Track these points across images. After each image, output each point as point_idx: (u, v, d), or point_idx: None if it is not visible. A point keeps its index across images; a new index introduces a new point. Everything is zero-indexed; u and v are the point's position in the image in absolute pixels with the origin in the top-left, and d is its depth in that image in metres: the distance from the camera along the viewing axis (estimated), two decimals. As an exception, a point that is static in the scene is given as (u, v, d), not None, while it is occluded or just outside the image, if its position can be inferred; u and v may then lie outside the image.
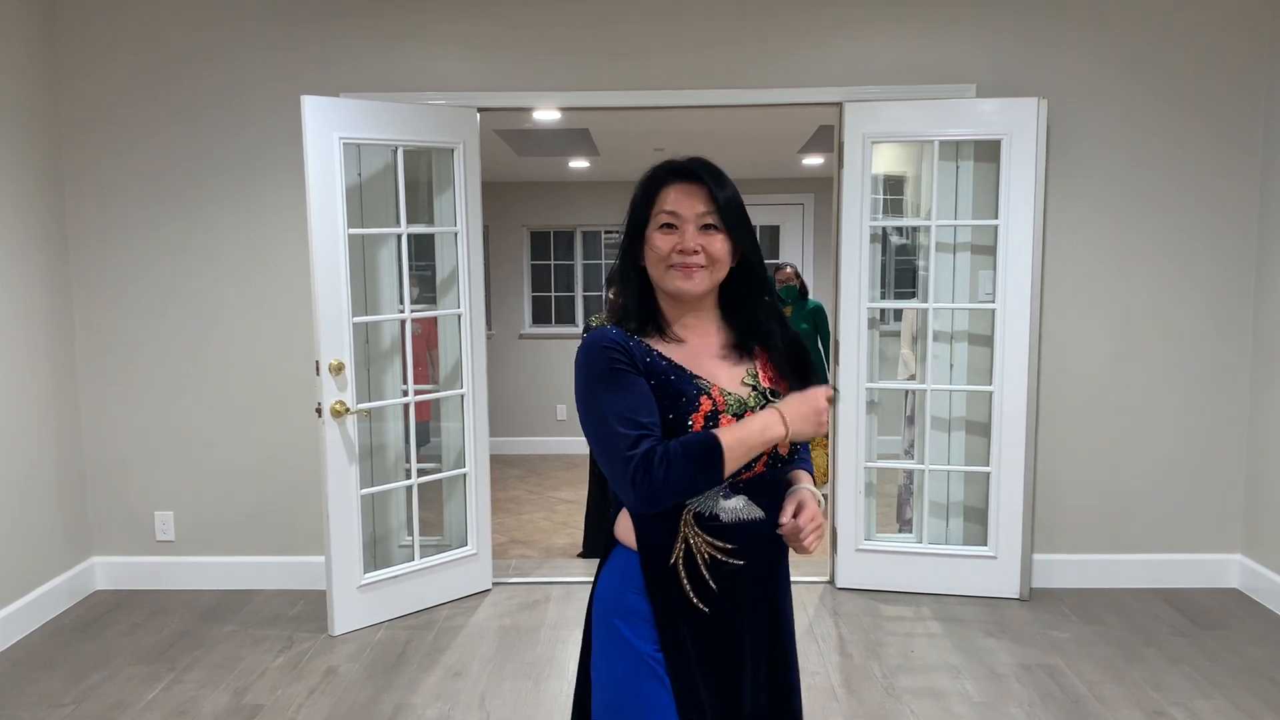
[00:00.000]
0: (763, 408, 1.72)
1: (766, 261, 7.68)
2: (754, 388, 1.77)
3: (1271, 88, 4.33)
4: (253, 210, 4.51)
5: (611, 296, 5.42)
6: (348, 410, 4.04)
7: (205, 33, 4.42)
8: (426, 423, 5.56)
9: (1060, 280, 4.48)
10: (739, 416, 1.69)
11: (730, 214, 1.74)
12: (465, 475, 4.50)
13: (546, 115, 5.46)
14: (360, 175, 4.31)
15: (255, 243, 4.53)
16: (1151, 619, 4.22)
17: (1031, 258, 4.28)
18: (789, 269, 7.04)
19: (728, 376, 1.77)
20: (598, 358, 1.70)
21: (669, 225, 1.74)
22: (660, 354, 1.75)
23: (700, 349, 1.79)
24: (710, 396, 1.71)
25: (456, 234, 4.37)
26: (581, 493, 7.40)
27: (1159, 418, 4.53)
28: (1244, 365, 4.49)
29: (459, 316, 4.41)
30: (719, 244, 1.74)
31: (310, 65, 4.42)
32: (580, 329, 9.07)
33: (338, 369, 4.00)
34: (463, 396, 4.45)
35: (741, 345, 1.81)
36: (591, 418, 1.69)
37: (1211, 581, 4.59)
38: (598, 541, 5.41)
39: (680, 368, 1.74)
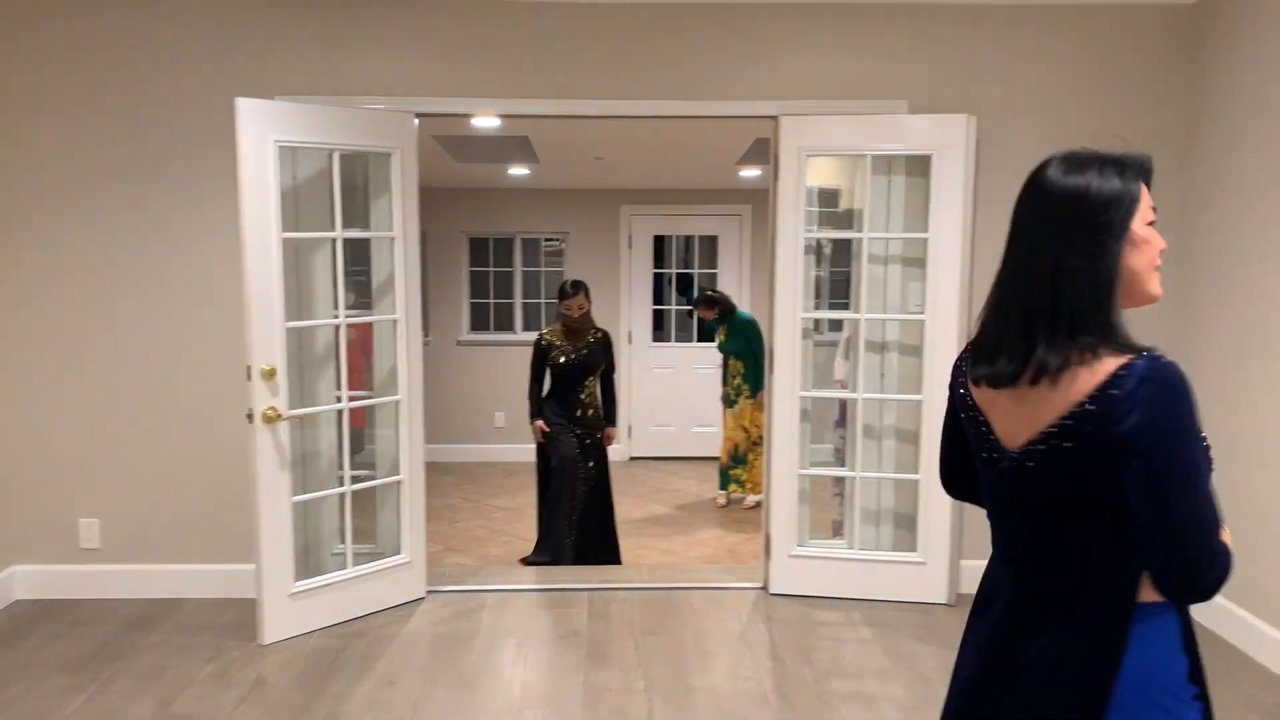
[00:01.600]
0: None
1: (698, 270, 7.64)
2: None
3: (1190, 104, 4.50)
4: (185, 213, 4.44)
5: (565, 311, 5.52)
6: (280, 416, 3.99)
7: (136, 33, 4.34)
8: (362, 429, 5.52)
9: (987, 290, 4.58)
10: None
11: None
12: (400, 482, 4.46)
13: (486, 122, 5.46)
14: (295, 178, 4.27)
15: (187, 246, 4.45)
16: (1073, 623, 4.33)
17: (960, 270, 4.38)
18: (702, 304, 7.21)
19: None
20: (1190, 403, 1.42)
21: (1153, 224, 1.55)
22: None
23: None
24: None
25: (393, 239, 4.34)
26: (519, 499, 7.39)
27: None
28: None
29: (394, 322, 4.38)
30: None
31: (245, 67, 4.37)
32: (521, 334, 9.05)
33: (270, 374, 3.96)
34: (398, 403, 4.42)
35: None
36: (1191, 473, 1.41)
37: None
38: (556, 547, 5.42)
39: None
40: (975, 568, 4.64)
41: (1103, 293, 1.48)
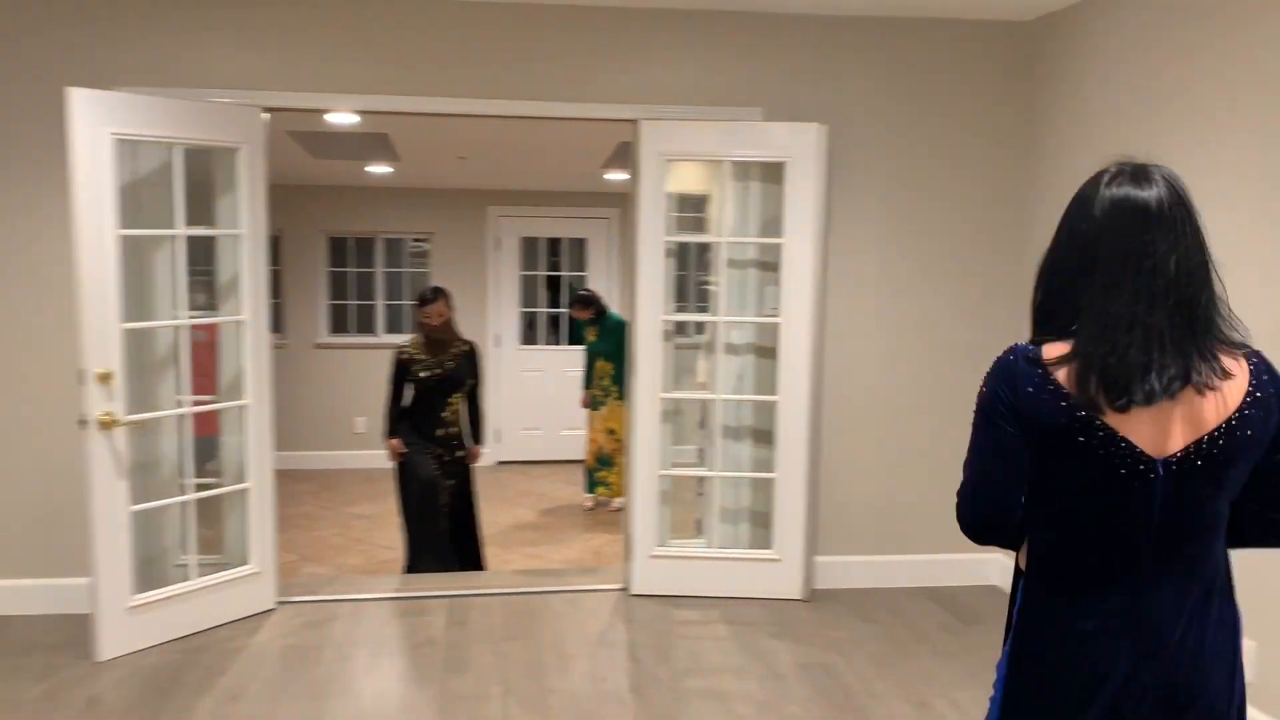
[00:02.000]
0: None
1: (571, 273, 7.59)
2: None
3: (1030, 114, 4.72)
4: (13, 209, 4.18)
5: (424, 319, 5.18)
6: (116, 422, 3.80)
7: (-43, 13, 4.07)
8: (213, 436, 5.28)
9: (840, 295, 4.72)
10: None
11: None
12: (247, 490, 4.30)
13: (342, 118, 5.33)
14: (136, 174, 4.07)
15: (16, 243, 4.19)
16: (921, 616, 4.49)
17: (813, 274, 4.49)
18: (578, 304, 7.19)
19: None
20: None
21: None
22: None
23: None
24: None
25: (239, 237, 4.18)
26: (379, 507, 7.22)
27: (930, 425, 4.85)
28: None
29: (240, 323, 4.22)
30: None
31: (82, 56, 4.14)
32: (384, 337, 8.86)
33: (105, 378, 3.76)
34: (244, 407, 4.26)
35: None
36: None
37: (975, 580, 4.93)
38: (428, 559, 5.18)
39: None
40: (828, 564, 4.78)
41: (1218, 296, 1.62)
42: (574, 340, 8.96)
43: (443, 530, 5.20)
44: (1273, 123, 3.21)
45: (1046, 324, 1.73)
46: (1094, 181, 1.68)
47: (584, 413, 7.28)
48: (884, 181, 4.70)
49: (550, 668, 3.88)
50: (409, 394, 5.20)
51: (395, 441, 5.17)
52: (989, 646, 4.14)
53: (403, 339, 5.49)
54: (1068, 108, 4.39)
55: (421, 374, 5.13)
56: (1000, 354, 1.74)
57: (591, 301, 7.16)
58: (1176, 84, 3.66)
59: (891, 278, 4.76)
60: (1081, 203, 1.69)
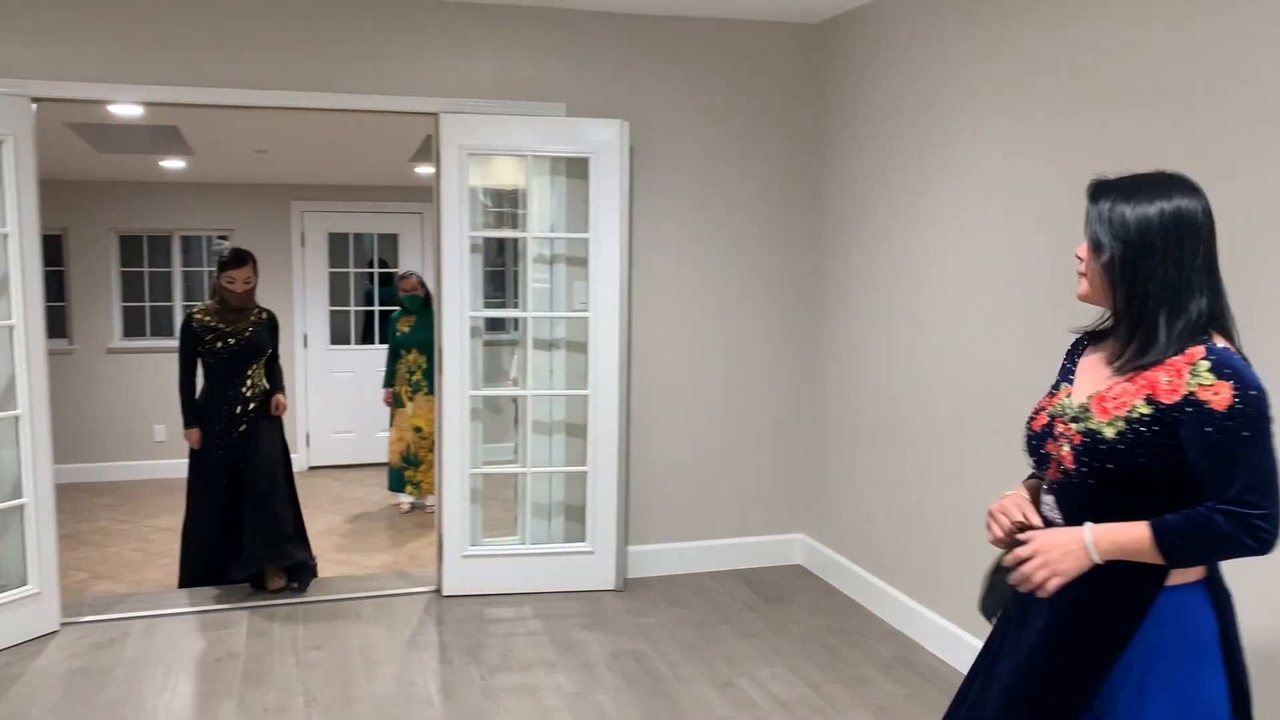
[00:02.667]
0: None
1: (387, 269, 7.39)
2: None
3: (822, 117, 4.93)
4: None
5: (227, 283, 4.74)
6: None
7: None
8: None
9: (647, 288, 4.81)
10: None
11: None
12: (23, 506, 4.02)
13: (126, 110, 5.03)
14: (-120, 166, 3.73)
15: None
16: (728, 598, 4.64)
17: (620, 268, 4.55)
18: (414, 278, 6.99)
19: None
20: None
21: None
22: None
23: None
24: None
25: (5, 236, 3.90)
26: (180, 518, 6.86)
27: (737, 415, 5.00)
28: (808, 363, 5.06)
29: (11, 328, 3.94)
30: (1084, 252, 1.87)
31: None
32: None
33: None
34: (17, 418, 3.98)
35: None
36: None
37: (781, 560, 5.12)
38: (199, 575, 4.87)
39: None
40: (641, 553, 4.87)
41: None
42: (385, 338, 8.77)
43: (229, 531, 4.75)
44: (1023, 114, 3.48)
45: (1215, 324, 1.78)
46: (1191, 190, 1.79)
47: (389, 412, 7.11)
48: (685, 177, 4.81)
49: (358, 674, 3.80)
50: (201, 369, 4.81)
51: (195, 433, 4.79)
52: (792, 623, 4.31)
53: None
54: (853, 107, 4.61)
55: (218, 345, 4.73)
56: (1234, 360, 1.73)
57: (424, 285, 6.98)
58: (947, 78, 3.91)
59: (693, 272, 4.88)
60: (1195, 213, 1.77)
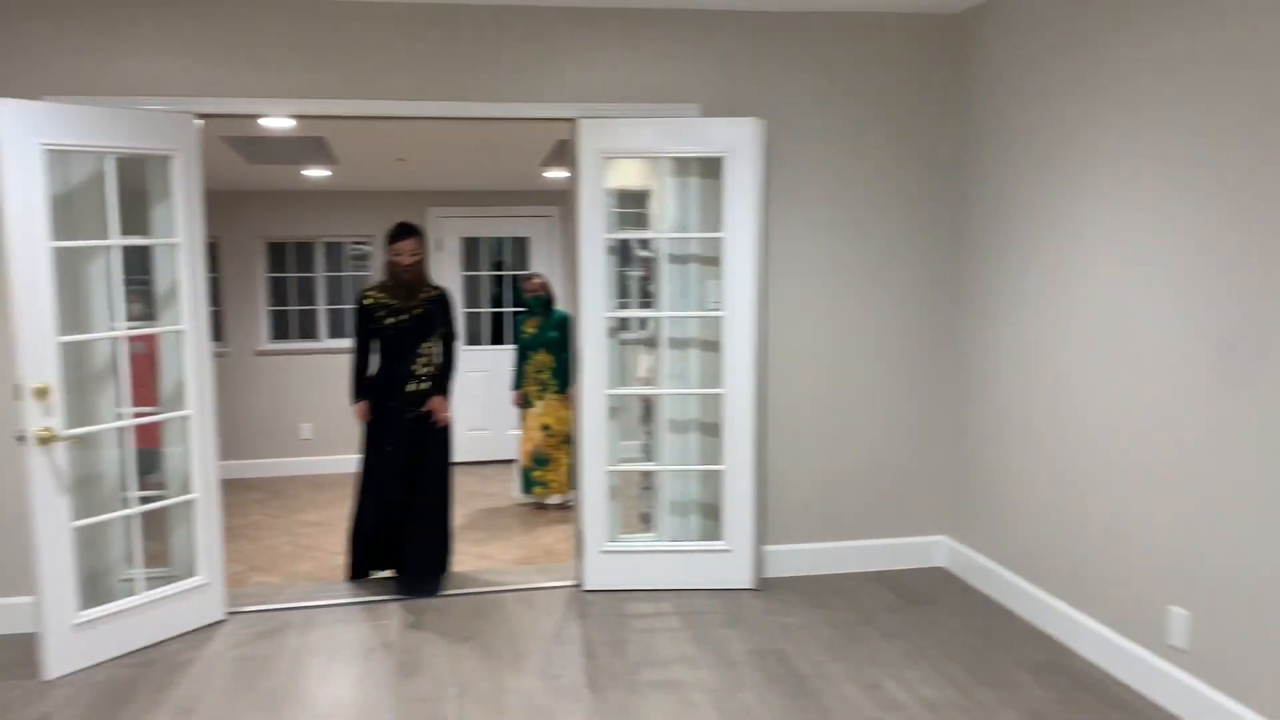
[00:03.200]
0: None
1: (515, 271, 7.54)
2: None
3: (956, 113, 4.83)
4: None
5: (394, 257, 4.75)
6: (55, 437, 3.74)
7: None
8: (156, 449, 5.20)
9: (782, 287, 4.80)
10: None
11: None
12: (193, 501, 4.26)
13: (277, 123, 5.27)
14: (68, 183, 4.01)
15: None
16: (869, 599, 4.58)
17: (754, 267, 4.55)
18: (537, 279, 7.13)
19: None
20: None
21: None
22: None
23: None
24: None
25: (176, 246, 4.14)
26: (329, 513, 7.17)
27: (875, 414, 4.94)
28: (948, 362, 4.97)
29: (181, 333, 4.18)
30: None
31: (10, 65, 4.06)
32: (326, 342, 8.79)
33: (43, 393, 3.70)
34: (187, 418, 4.22)
35: None
36: None
37: (922, 562, 5.04)
38: (364, 565, 5.05)
39: None
40: (777, 552, 4.86)
41: None
42: (514, 339, 8.96)
43: (391, 525, 4.86)
44: (1190, 107, 3.33)
45: None
46: None
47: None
48: (821, 174, 4.78)
49: (506, 666, 3.90)
50: (374, 347, 4.82)
51: (362, 406, 4.81)
52: (936, 626, 4.24)
53: (367, 285, 5.01)
54: (996, 98, 4.50)
55: (388, 321, 4.74)
56: None
57: (546, 287, 7.14)
58: (1099, 70, 3.77)
59: (831, 269, 4.84)
60: None
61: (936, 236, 4.90)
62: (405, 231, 4.77)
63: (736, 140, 4.49)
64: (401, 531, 4.87)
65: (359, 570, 5.07)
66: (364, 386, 4.84)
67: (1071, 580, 4.04)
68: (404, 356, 4.77)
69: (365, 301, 4.82)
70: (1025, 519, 4.34)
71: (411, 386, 4.79)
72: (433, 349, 4.86)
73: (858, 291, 4.88)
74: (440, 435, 4.92)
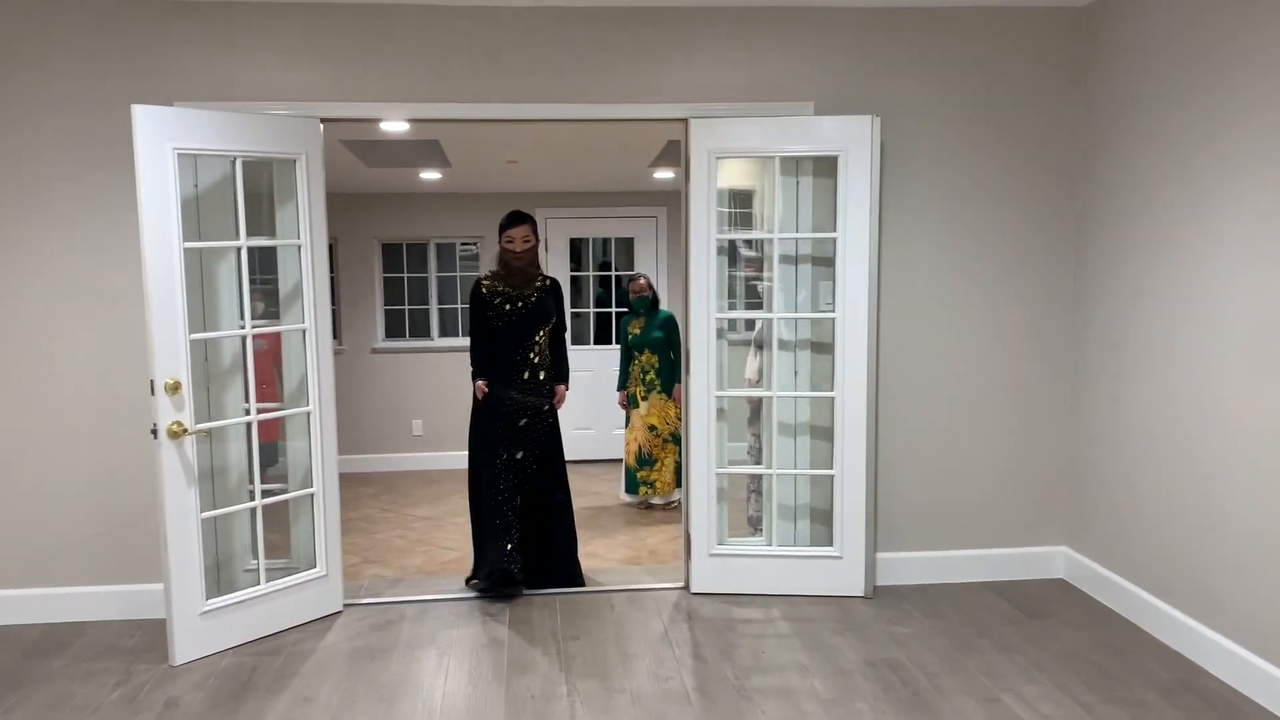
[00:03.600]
0: None
1: (620, 272, 7.54)
2: None
3: (1080, 105, 4.65)
4: (82, 222, 4.29)
5: (507, 244, 4.77)
6: (185, 431, 3.88)
7: (30, 38, 4.18)
8: (276, 442, 5.38)
9: (896, 289, 4.69)
10: None
11: None
12: (313, 495, 4.38)
13: (394, 126, 5.39)
14: (197, 187, 4.16)
15: (85, 256, 4.31)
16: (985, 610, 4.45)
17: (868, 268, 4.46)
18: (642, 279, 7.14)
19: None
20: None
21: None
22: None
23: None
24: None
25: (300, 247, 4.26)
26: (440, 508, 7.31)
27: (990, 420, 4.79)
28: (1067, 367, 4.79)
29: (304, 331, 4.30)
30: None
31: (143, 72, 4.25)
32: (437, 340, 8.96)
33: (174, 388, 3.85)
34: (308, 414, 4.34)
35: None
36: None
37: (1040, 573, 4.87)
38: (486, 564, 4.80)
39: None
40: (890, 560, 4.75)
41: None
42: (619, 340, 9.00)
43: (513, 532, 4.71)
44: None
45: None
46: None
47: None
48: (937, 174, 4.66)
49: (615, 667, 3.90)
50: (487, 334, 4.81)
51: (482, 383, 4.78)
52: (1055, 639, 4.09)
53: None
54: (1124, 96, 4.31)
55: (505, 308, 4.73)
56: None
57: (652, 287, 7.16)
58: (1242, 67, 3.58)
59: (947, 270, 4.71)
60: None
61: (1057, 236, 4.73)
62: (517, 219, 4.80)
63: (852, 138, 4.40)
64: (530, 532, 4.82)
65: (483, 560, 4.82)
66: (484, 367, 4.79)
67: (1203, 595, 3.85)
68: (520, 345, 4.76)
69: (482, 290, 4.81)
70: (1151, 530, 4.15)
71: (527, 375, 4.77)
72: (545, 340, 4.83)
73: (973, 292, 4.74)
74: (555, 431, 4.89)
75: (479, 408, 4.82)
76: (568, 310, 5.53)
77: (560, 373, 4.95)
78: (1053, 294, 4.76)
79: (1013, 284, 4.74)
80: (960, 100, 4.63)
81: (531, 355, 4.77)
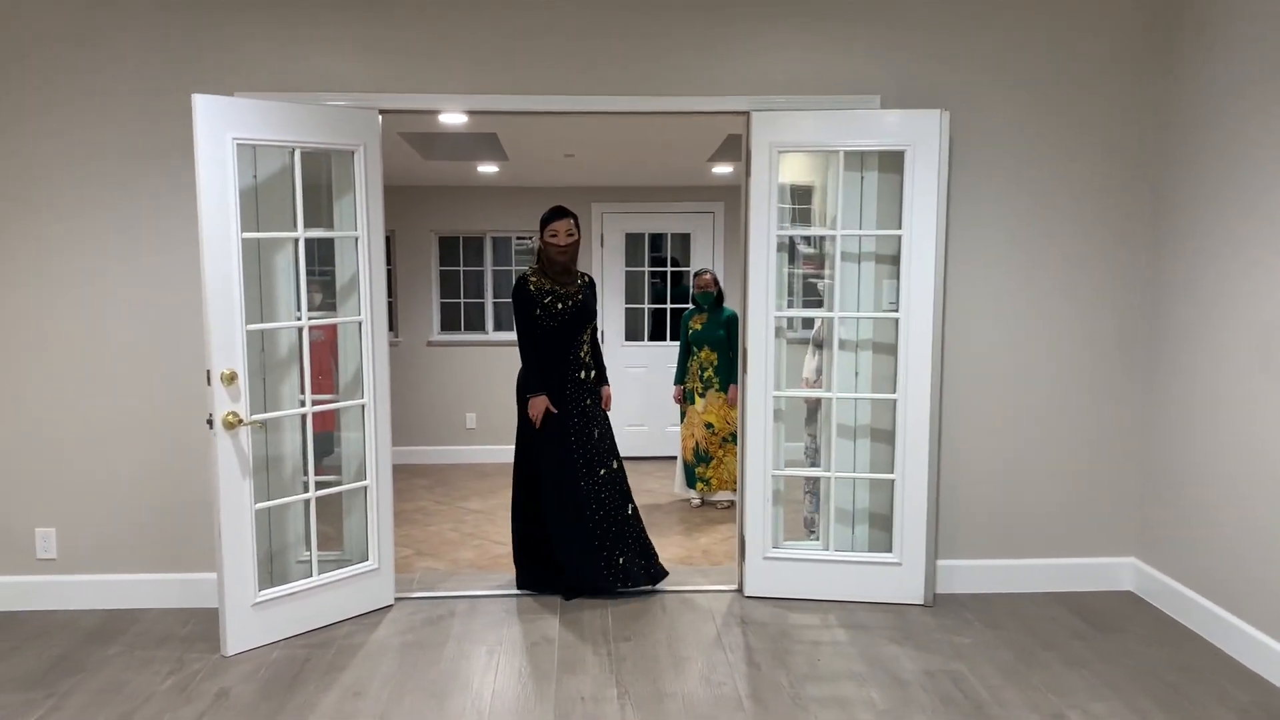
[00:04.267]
0: None
1: (677, 268, 7.45)
2: None
3: (1158, 101, 4.47)
4: (141, 212, 4.32)
5: (551, 238, 4.59)
6: (241, 421, 3.88)
7: (91, 27, 4.22)
8: (330, 433, 5.39)
9: (963, 289, 4.55)
10: None
11: None
12: (366, 488, 4.36)
13: (453, 119, 5.36)
14: (256, 177, 4.16)
15: (144, 246, 4.34)
16: (1050, 622, 4.30)
17: (934, 267, 4.33)
18: (708, 275, 7.04)
19: None
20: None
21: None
22: None
23: None
24: None
25: (357, 239, 4.24)
26: (492, 502, 7.30)
27: (1058, 424, 4.64)
28: (1139, 371, 4.61)
29: (360, 324, 4.28)
30: None
31: (203, 63, 4.26)
32: (492, 334, 8.96)
33: (230, 378, 3.85)
34: (363, 407, 4.32)
35: None
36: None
37: (1107, 585, 4.70)
38: (532, 574, 4.75)
39: None
40: (950, 567, 4.62)
41: None
42: (677, 336, 8.93)
43: (607, 539, 4.62)
44: None
45: None
46: None
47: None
48: (1008, 169, 4.51)
49: (666, 670, 3.83)
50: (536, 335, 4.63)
51: (543, 399, 4.57)
52: (1125, 655, 3.94)
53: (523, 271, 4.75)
54: (1214, 89, 4.13)
55: (557, 306, 4.57)
56: None
57: (718, 283, 7.05)
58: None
59: (1015, 270, 4.56)
60: None
61: (1132, 238, 4.56)
62: (561, 213, 4.63)
63: (920, 133, 4.27)
64: (610, 541, 4.65)
65: (533, 582, 4.76)
66: (539, 378, 4.60)
67: (1286, 616, 3.68)
68: (571, 344, 4.64)
69: (529, 287, 4.61)
70: (1228, 543, 3.98)
71: (581, 375, 4.68)
72: (588, 338, 4.74)
73: (1042, 293, 4.58)
74: (609, 430, 4.83)
75: (541, 425, 4.61)
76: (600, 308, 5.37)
77: (603, 374, 4.86)
78: (1128, 298, 4.59)
79: (1085, 286, 4.58)
80: (1032, 94, 4.48)
81: (582, 354, 4.69)
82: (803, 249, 5.17)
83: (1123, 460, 4.66)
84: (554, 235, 4.59)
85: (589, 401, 4.70)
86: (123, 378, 4.39)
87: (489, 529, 6.61)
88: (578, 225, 4.65)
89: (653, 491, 7.75)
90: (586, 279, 4.80)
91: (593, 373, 4.73)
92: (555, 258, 4.59)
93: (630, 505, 4.76)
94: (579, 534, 4.58)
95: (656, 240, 9.29)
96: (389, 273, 8.77)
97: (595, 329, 4.83)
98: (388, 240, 8.74)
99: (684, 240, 9.18)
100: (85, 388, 4.38)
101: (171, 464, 4.43)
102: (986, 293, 4.57)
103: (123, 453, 4.42)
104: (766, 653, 3.98)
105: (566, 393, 4.65)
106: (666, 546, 6.16)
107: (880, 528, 4.62)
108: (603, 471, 4.67)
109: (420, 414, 8.87)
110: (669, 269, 9.25)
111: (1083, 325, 4.60)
